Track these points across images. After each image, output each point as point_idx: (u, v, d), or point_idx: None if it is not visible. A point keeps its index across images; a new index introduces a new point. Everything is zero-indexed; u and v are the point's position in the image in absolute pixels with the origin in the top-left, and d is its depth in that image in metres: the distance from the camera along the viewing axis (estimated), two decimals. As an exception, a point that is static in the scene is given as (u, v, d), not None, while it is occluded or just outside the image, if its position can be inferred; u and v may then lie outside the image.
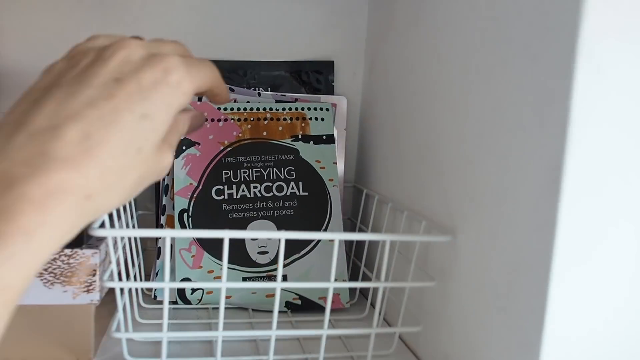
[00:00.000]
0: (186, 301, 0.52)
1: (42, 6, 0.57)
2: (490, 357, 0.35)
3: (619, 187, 0.29)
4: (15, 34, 0.57)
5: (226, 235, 0.37)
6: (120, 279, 0.41)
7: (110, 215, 0.41)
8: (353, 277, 0.59)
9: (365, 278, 0.57)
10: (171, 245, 0.50)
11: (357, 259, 0.59)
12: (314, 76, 0.62)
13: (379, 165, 0.58)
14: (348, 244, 0.63)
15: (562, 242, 0.29)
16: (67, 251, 0.40)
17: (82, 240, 0.40)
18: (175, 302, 0.51)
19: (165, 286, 0.38)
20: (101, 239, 0.43)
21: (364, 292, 0.58)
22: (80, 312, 0.41)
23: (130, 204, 0.52)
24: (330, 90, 0.62)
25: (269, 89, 0.61)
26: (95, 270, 0.40)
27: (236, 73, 0.60)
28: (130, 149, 0.27)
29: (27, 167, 0.24)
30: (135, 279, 0.48)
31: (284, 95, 0.58)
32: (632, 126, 0.29)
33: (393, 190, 0.54)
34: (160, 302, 0.50)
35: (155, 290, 0.52)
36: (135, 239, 0.50)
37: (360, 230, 0.60)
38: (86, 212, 0.26)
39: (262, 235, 0.38)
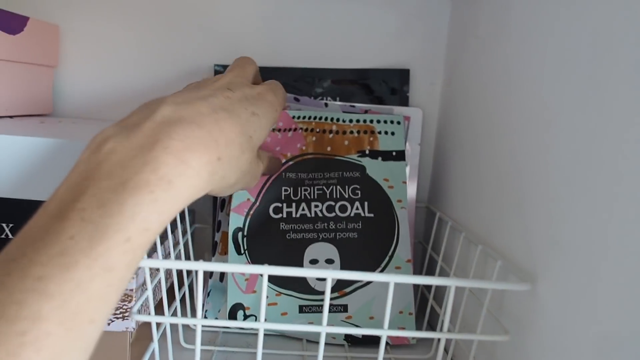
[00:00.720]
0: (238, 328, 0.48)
1: (106, 14, 0.56)
2: None
3: None
4: (77, 44, 0.56)
5: (265, 271, 0.33)
6: (160, 310, 0.38)
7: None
8: (423, 303, 0.54)
9: (434, 315, 0.51)
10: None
11: (427, 290, 0.53)
12: (387, 86, 0.56)
13: (455, 188, 0.51)
14: (418, 268, 0.58)
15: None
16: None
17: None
18: (227, 327, 0.48)
19: (198, 323, 0.34)
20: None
21: (432, 324, 0.52)
22: (116, 339, 0.39)
23: (185, 216, 0.50)
24: (404, 102, 0.56)
25: (338, 98, 0.56)
26: (131, 297, 0.38)
27: (303, 81, 0.56)
28: (245, 133, 0.32)
29: (169, 127, 0.28)
30: (176, 312, 0.44)
31: (353, 107, 0.54)
32: None
33: (468, 217, 0.47)
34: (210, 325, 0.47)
35: (206, 311, 0.49)
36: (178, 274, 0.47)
37: (431, 258, 0.54)
38: (217, 171, 0.30)
39: (306, 274, 0.33)
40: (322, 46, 0.56)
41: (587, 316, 0.29)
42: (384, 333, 0.34)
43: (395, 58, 0.57)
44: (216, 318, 0.48)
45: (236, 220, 0.48)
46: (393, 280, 0.33)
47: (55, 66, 0.56)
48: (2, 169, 0.37)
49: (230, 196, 0.49)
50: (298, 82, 0.56)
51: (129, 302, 0.37)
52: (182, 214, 0.50)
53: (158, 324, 0.38)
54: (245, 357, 0.45)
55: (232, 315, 0.47)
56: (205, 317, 0.49)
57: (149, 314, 0.37)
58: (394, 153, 0.51)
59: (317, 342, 0.48)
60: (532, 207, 0.35)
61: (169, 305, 0.47)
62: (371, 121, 0.51)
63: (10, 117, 0.50)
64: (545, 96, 0.35)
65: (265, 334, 0.49)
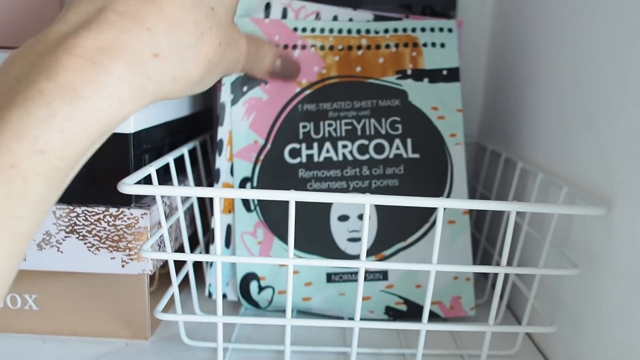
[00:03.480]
0: (252, 302, 0.39)
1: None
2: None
3: None
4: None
5: (292, 197, 0.28)
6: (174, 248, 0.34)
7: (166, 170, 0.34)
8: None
9: (487, 258, 0.46)
10: (228, 227, 0.39)
11: (477, 231, 0.48)
12: (432, 11, 0.49)
13: (508, 119, 0.45)
14: (477, 221, 0.50)
15: None
16: (113, 210, 0.33)
17: (131, 197, 0.34)
18: (240, 300, 0.39)
19: (218, 260, 0.30)
20: (152, 197, 0.36)
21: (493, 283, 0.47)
22: (132, 282, 0.35)
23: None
24: (450, 14, 0.49)
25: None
26: (146, 235, 0.34)
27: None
28: (202, 3, 0.24)
29: (81, 26, 0.22)
30: (192, 251, 0.39)
31: (376, 11, 0.43)
32: None
33: (524, 148, 0.41)
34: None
35: (209, 286, 0.40)
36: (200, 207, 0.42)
37: (483, 197, 0.48)
38: (154, 73, 0.23)
39: (339, 199, 0.28)
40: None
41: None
42: (433, 268, 0.29)
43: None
44: (224, 294, 0.40)
45: (242, 168, 0.39)
46: (442, 205, 0.28)
47: None
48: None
49: (231, 135, 0.40)
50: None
51: (145, 240, 0.34)
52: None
53: (178, 271, 0.34)
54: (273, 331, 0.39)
55: (245, 289, 0.39)
56: (210, 294, 0.40)
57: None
58: (444, 72, 0.41)
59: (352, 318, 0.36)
60: (607, 119, 0.29)
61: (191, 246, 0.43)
62: (413, 30, 0.41)
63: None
64: (615, 8, 0.29)
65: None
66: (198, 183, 0.44)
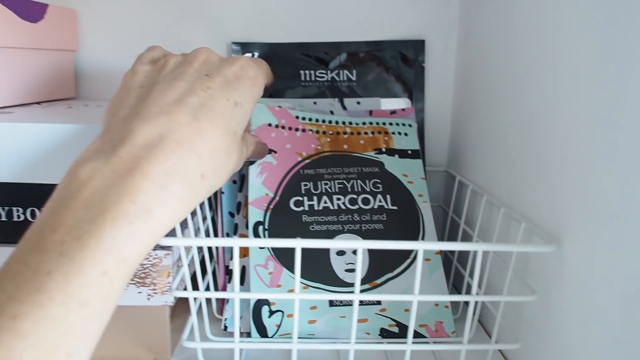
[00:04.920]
0: (262, 328, 0.44)
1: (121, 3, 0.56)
2: (601, 394, 0.30)
3: None
4: (95, 27, 0.57)
5: (298, 245, 0.34)
6: (195, 286, 0.40)
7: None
8: (446, 269, 0.55)
9: (458, 279, 0.52)
10: (243, 267, 0.46)
11: (450, 254, 0.54)
12: (402, 57, 0.56)
13: (474, 151, 0.52)
14: (439, 232, 0.58)
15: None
16: (140, 253, 0.39)
17: (155, 241, 0.39)
18: (248, 335, 0.45)
19: (235, 296, 0.36)
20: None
21: (457, 288, 0.54)
22: (156, 313, 0.40)
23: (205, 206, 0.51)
24: (420, 72, 0.57)
25: (354, 72, 0.56)
26: (168, 272, 0.39)
27: (318, 57, 0.56)
28: (229, 131, 0.31)
29: (148, 151, 0.26)
30: (207, 288, 0.46)
31: (359, 103, 0.56)
32: None
33: (489, 180, 0.48)
34: (231, 334, 0.45)
35: (225, 320, 0.46)
36: (209, 248, 0.48)
37: (453, 222, 0.55)
38: (200, 190, 0.29)
39: (337, 245, 0.34)
40: (336, 20, 0.57)
41: (613, 275, 0.30)
42: (415, 299, 0.36)
43: (409, 29, 0.57)
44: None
45: (255, 214, 0.47)
46: (422, 247, 0.35)
47: (75, 50, 0.56)
48: (43, 156, 0.38)
49: (247, 197, 0.48)
50: (313, 57, 0.56)
51: (167, 277, 0.39)
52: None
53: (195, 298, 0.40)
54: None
55: (257, 312, 0.44)
56: (226, 328, 0.46)
57: (185, 289, 0.39)
58: (409, 151, 0.52)
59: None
60: (555, 169, 0.36)
61: (203, 279, 0.48)
62: (384, 123, 0.52)
63: (38, 103, 0.51)
64: (563, 56, 0.35)
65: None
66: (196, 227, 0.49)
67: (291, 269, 0.45)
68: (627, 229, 0.28)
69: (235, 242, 0.34)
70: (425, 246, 0.35)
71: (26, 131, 0.37)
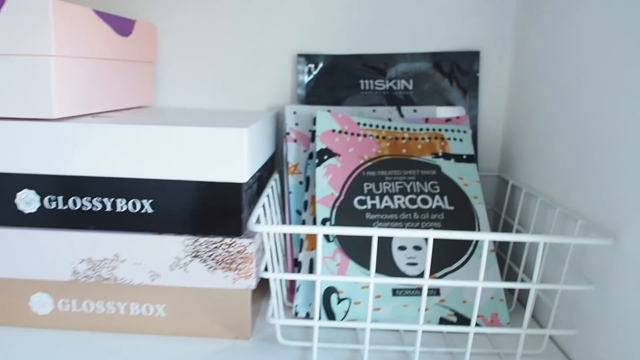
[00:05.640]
0: (330, 314, 0.48)
1: (193, 11, 0.61)
2: (657, 371, 0.33)
3: None
4: (171, 40, 0.62)
5: (375, 233, 0.38)
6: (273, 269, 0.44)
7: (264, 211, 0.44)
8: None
9: (511, 275, 0.55)
10: (311, 259, 0.51)
11: (503, 253, 0.58)
12: (458, 68, 0.60)
13: (527, 156, 0.55)
14: (500, 244, 0.60)
15: None
16: (228, 240, 0.43)
17: (241, 230, 0.43)
18: (320, 318, 0.48)
19: (317, 279, 0.40)
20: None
21: (520, 298, 0.57)
22: (239, 295, 0.45)
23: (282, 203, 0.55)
24: (474, 82, 0.60)
25: (411, 81, 0.60)
26: (252, 259, 0.43)
27: (377, 67, 0.61)
28: None
29: None
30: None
31: (415, 111, 0.60)
32: None
33: (542, 183, 0.51)
34: (302, 319, 0.49)
35: (296, 306, 0.50)
36: (284, 236, 0.53)
37: (506, 223, 0.58)
38: None
39: (409, 234, 0.38)
40: (395, 33, 0.61)
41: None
42: (480, 284, 0.39)
43: (464, 40, 0.61)
44: (307, 313, 0.50)
45: (323, 211, 0.51)
46: (487, 238, 0.38)
47: (155, 61, 0.62)
48: (142, 154, 0.43)
49: (314, 197, 0.53)
50: (372, 68, 0.61)
51: (250, 263, 0.43)
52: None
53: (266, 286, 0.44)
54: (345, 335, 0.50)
55: (326, 299, 0.48)
56: (296, 314, 0.50)
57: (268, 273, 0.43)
58: (464, 156, 0.56)
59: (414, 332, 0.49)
60: (610, 168, 0.39)
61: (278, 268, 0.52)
62: (440, 130, 0.56)
63: (127, 109, 0.56)
64: (620, 64, 0.38)
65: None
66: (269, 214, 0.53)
67: (357, 260, 0.49)
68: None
69: (319, 230, 0.38)
70: (491, 237, 0.38)
71: (136, 132, 0.42)
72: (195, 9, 0.61)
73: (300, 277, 0.40)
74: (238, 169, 0.42)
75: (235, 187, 0.43)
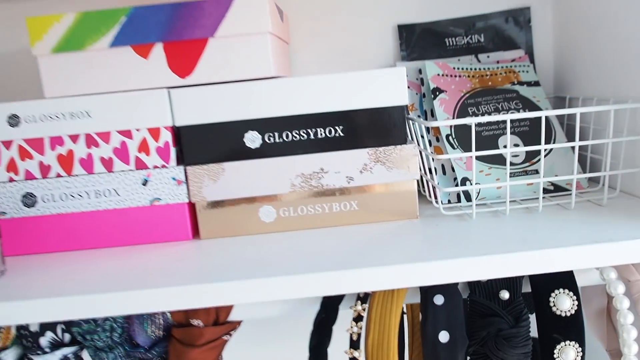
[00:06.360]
0: (467, 196, 0.68)
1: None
2: None
3: None
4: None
5: (473, 121, 0.57)
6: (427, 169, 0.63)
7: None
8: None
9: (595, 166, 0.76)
10: (444, 161, 0.71)
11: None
12: (515, 20, 0.80)
13: (576, 74, 0.75)
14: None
15: None
16: (399, 147, 0.62)
17: (406, 140, 0.62)
18: (458, 201, 0.69)
19: (473, 154, 0.59)
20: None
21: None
22: (407, 187, 0.64)
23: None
24: (528, 29, 0.81)
25: (482, 35, 0.81)
26: (415, 158, 0.62)
27: (457, 28, 0.81)
28: None
29: None
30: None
31: (488, 57, 0.81)
32: None
33: (593, 91, 0.71)
34: (449, 209, 0.70)
35: (444, 197, 0.70)
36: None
37: (569, 127, 0.78)
38: None
39: (493, 118, 0.57)
40: (460, 3, 0.81)
41: None
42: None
43: (516, 1, 0.81)
44: (449, 200, 0.69)
45: (445, 130, 0.71)
46: (544, 115, 0.58)
47: (289, 43, 0.81)
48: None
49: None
50: (454, 28, 0.81)
51: (414, 162, 0.62)
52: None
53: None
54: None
55: (463, 184, 0.68)
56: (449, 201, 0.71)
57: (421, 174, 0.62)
58: (532, 82, 0.76)
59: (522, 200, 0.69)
60: (654, 59, 0.59)
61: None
62: (510, 67, 0.77)
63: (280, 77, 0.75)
64: (652, -8, 0.59)
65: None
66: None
67: (477, 158, 0.69)
68: None
69: (473, 120, 0.58)
70: (547, 113, 0.58)
71: (329, 80, 0.61)
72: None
73: (479, 153, 0.60)
74: (401, 95, 0.61)
75: (399, 109, 0.62)
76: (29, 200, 0.62)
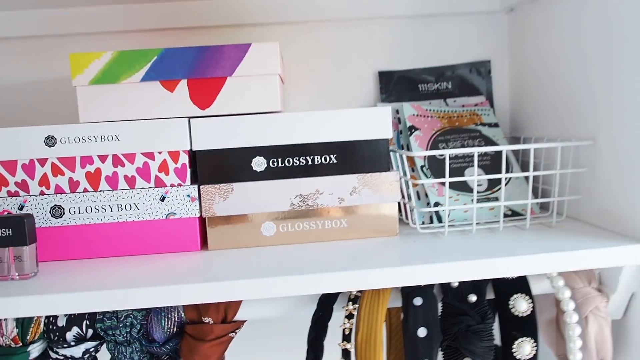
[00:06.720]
0: (439, 217, 0.80)
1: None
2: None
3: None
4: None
5: (446, 152, 0.70)
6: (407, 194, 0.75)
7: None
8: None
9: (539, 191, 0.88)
10: (419, 189, 0.83)
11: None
12: (478, 70, 0.94)
13: (529, 118, 0.89)
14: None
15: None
16: (383, 173, 0.73)
17: (389, 168, 0.74)
18: (431, 222, 0.80)
19: (446, 180, 0.71)
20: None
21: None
22: (390, 208, 0.75)
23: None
24: (489, 79, 0.94)
25: (450, 82, 0.94)
26: (397, 183, 0.74)
27: (429, 75, 0.94)
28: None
29: None
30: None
31: (455, 101, 0.94)
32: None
33: (542, 132, 0.85)
34: (425, 227, 0.82)
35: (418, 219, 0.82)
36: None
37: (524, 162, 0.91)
38: None
39: (463, 151, 0.70)
40: (440, 52, 0.94)
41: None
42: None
43: (480, 54, 0.95)
44: (423, 221, 0.81)
45: (419, 161, 0.83)
46: (504, 149, 0.71)
47: (285, 83, 0.93)
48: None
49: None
50: (426, 76, 0.94)
51: (396, 187, 0.73)
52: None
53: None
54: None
55: (435, 205, 0.81)
56: (423, 222, 0.84)
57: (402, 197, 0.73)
58: (492, 124, 0.89)
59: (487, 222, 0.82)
60: (589, 97, 0.73)
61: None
62: (474, 110, 0.90)
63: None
64: (581, 55, 0.73)
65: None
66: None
67: (448, 185, 0.81)
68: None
69: (447, 152, 0.69)
70: (507, 148, 0.71)
71: (325, 115, 0.72)
72: (307, 39, 0.93)
73: (434, 202, 0.71)
74: (386, 130, 0.73)
75: (384, 141, 0.73)
76: (57, 211, 0.70)
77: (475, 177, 0.71)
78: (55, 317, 0.66)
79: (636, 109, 0.64)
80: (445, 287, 0.68)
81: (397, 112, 0.88)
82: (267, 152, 0.72)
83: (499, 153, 0.85)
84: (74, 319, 0.66)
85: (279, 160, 0.73)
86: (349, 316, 0.66)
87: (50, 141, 0.69)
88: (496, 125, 0.89)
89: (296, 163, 0.73)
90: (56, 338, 0.66)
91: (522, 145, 0.71)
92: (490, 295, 0.70)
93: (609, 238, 0.67)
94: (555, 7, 0.79)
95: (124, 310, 0.66)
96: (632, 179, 0.66)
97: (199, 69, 0.71)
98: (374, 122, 0.73)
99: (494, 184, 0.82)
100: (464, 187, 0.81)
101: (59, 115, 0.91)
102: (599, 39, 0.70)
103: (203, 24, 0.89)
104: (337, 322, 0.67)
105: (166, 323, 0.66)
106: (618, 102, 0.68)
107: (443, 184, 0.81)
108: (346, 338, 0.65)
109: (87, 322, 0.66)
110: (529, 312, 0.67)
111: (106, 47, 0.90)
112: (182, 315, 0.67)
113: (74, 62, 0.70)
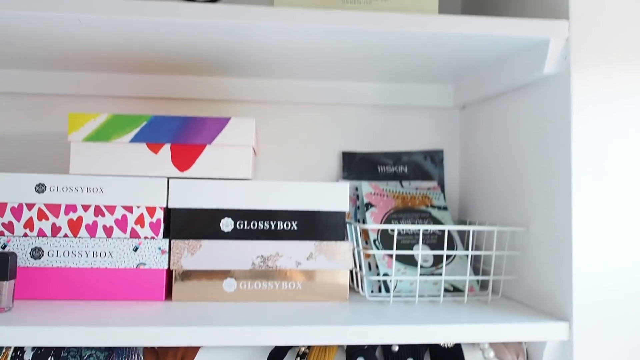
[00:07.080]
0: (387, 289, 0.87)
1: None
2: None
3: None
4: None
5: (395, 227, 0.79)
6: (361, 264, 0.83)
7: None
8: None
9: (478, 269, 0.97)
10: (370, 260, 0.91)
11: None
12: (432, 158, 1.05)
13: (475, 204, 0.99)
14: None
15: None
16: (338, 242, 0.81)
17: (344, 237, 0.82)
18: (379, 291, 0.87)
19: (394, 252, 0.79)
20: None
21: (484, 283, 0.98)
22: (342, 274, 0.82)
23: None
24: (441, 165, 1.05)
25: (406, 167, 1.05)
26: (350, 252, 0.82)
27: (387, 159, 1.04)
28: None
29: None
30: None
31: (410, 184, 1.03)
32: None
33: (485, 217, 0.95)
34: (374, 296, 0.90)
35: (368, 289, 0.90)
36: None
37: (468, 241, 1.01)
38: None
39: (411, 227, 0.79)
40: (397, 139, 1.05)
41: (567, 249, 0.76)
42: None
43: (434, 143, 1.07)
44: (372, 290, 0.89)
45: (372, 235, 0.92)
46: (447, 228, 0.80)
47: (257, 155, 1.02)
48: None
49: (367, 230, 0.95)
50: (385, 159, 1.04)
51: (349, 255, 0.81)
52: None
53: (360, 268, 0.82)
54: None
55: (384, 281, 0.88)
56: (372, 291, 0.91)
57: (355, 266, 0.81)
58: (442, 207, 0.99)
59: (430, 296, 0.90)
60: (525, 188, 0.83)
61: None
62: (426, 193, 1.00)
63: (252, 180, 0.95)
64: (516, 148, 0.84)
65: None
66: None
67: (396, 259, 0.89)
68: (557, 218, 0.75)
69: (396, 227, 0.78)
70: (450, 227, 0.80)
71: (288, 186, 0.81)
72: (279, 120, 1.03)
73: (382, 274, 0.80)
74: (344, 203, 0.82)
75: (341, 213, 0.82)
76: (36, 253, 0.76)
77: (420, 252, 0.79)
78: (23, 352, 0.70)
79: (561, 201, 0.75)
80: (386, 350, 0.75)
81: (357, 189, 0.98)
82: (236, 214, 0.80)
83: (443, 230, 0.94)
84: (39, 355, 0.70)
85: (245, 222, 0.81)
86: (297, 370, 0.72)
87: (40, 188, 0.76)
88: (445, 208, 0.98)
89: (260, 227, 0.81)
90: (21, 371, 0.70)
91: (462, 227, 0.80)
92: (427, 360, 0.77)
93: (536, 315, 0.76)
94: (501, 107, 0.92)
95: (87, 349, 0.71)
96: (557, 263, 0.76)
97: (182, 136, 0.79)
98: (334, 196, 0.82)
99: (439, 261, 0.91)
100: (412, 262, 0.90)
101: (50, 166, 0.98)
102: (532, 138, 0.82)
103: (190, 96, 0.99)
104: (285, 375, 0.73)
105: (126, 365, 0.71)
106: (546, 194, 0.78)
107: (392, 256, 0.89)
108: (292, 390, 0.71)
109: (52, 358, 0.71)
110: (460, 379, 0.74)
111: (100, 110, 0.99)
112: (142, 358, 0.72)
113: (72, 120, 0.78)
